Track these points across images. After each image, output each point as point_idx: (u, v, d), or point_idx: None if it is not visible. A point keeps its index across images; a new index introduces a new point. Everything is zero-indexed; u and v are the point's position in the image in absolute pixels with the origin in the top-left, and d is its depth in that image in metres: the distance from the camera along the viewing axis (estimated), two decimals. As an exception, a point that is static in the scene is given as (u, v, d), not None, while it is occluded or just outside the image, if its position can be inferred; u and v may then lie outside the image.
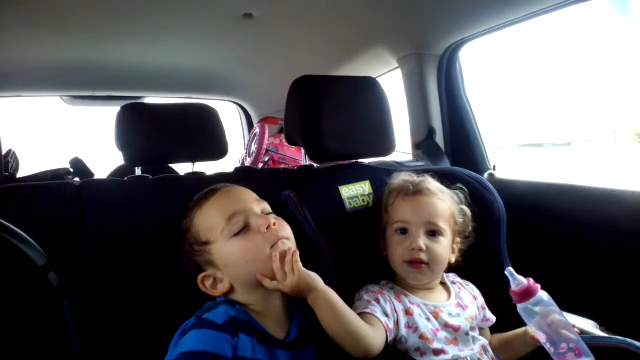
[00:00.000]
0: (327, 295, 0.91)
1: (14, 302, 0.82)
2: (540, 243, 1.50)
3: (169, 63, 2.42)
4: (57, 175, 2.03)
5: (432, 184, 1.13)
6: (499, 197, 1.28)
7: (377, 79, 1.47)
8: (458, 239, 1.14)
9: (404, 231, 1.08)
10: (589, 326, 1.33)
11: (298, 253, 0.92)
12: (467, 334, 1.03)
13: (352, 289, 1.08)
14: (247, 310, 0.93)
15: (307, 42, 2.14)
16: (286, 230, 0.99)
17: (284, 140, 2.01)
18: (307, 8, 1.77)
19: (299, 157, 2.49)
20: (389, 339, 0.97)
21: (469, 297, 1.12)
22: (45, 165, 2.16)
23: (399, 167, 1.55)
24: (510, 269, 1.01)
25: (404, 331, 0.99)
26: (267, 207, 1.02)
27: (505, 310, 1.09)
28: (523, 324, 1.03)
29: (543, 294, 0.99)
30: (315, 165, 1.61)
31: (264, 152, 2.50)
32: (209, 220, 0.97)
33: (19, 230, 0.87)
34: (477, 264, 1.19)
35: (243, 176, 1.41)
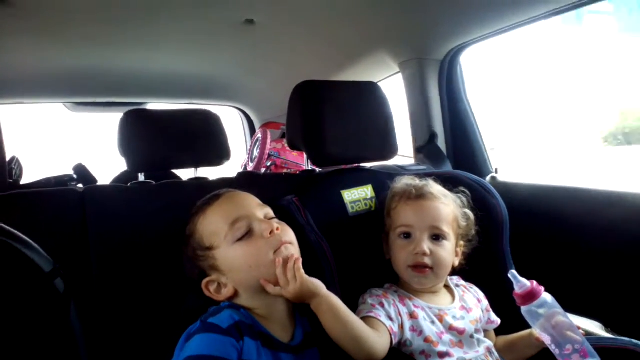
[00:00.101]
0: (329, 301, 0.91)
1: (21, 307, 0.83)
2: (544, 245, 1.50)
3: (171, 69, 2.43)
4: (60, 181, 2.03)
5: (435, 187, 1.13)
6: (501, 200, 1.28)
7: (379, 84, 1.47)
8: (461, 243, 1.14)
9: (407, 235, 1.08)
10: (594, 327, 1.33)
11: (301, 260, 0.92)
12: (471, 336, 1.03)
13: (355, 292, 1.08)
14: (252, 314, 0.93)
15: (308, 47, 2.15)
16: (289, 235, 0.99)
17: (286, 145, 2.01)
18: (308, 13, 1.78)
19: (301, 161, 2.49)
20: (394, 342, 0.97)
21: (473, 299, 1.12)
22: (49, 172, 2.17)
23: (401, 170, 1.55)
24: (514, 271, 1.01)
25: (408, 334, 0.99)
26: (270, 211, 1.03)
27: (509, 313, 1.09)
28: (528, 326, 1.03)
29: (547, 296, 0.99)
30: (318, 169, 1.61)
31: (266, 157, 2.51)
32: (212, 225, 0.97)
33: (24, 237, 0.87)
34: (481, 267, 1.19)
35: (245, 181, 1.41)
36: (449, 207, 1.11)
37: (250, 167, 2.63)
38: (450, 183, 1.20)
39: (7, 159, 1.03)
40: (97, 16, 1.69)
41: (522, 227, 1.30)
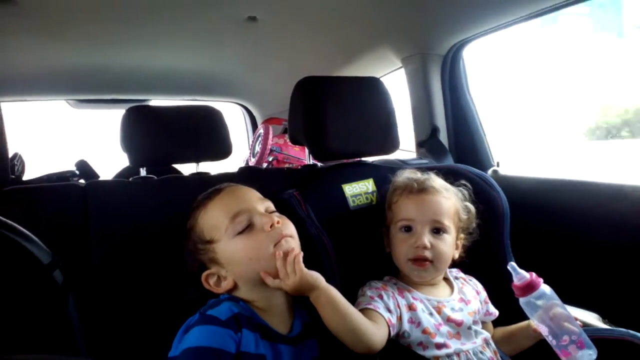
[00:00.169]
0: (328, 294, 0.92)
1: (19, 298, 0.84)
2: (543, 238, 1.50)
3: (173, 66, 2.44)
4: (62, 177, 2.05)
5: (437, 181, 1.14)
6: (502, 193, 1.28)
7: (381, 79, 1.48)
8: (462, 235, 1.14)
9: (408, 229, 1.09)
10: (592, 319, 1.34)
11: (302, 254, 0.93)
12: (469, 328, 1.04)
13: (355, 285, 1.09)
14: (251, 307, 0.94)
15: (310, 43, 2.15)
16: (290, 229, 1.00)
17: (288, 140, 2.02)
18: (310, 10, 1.78)
19: (303, 156, 2.50)
20: (392, 333, 0.97)
21: (471, 291, 1.13)
22: (51, 168, 2.18)
23: (403, 165, 1.56)
24: (513, 263, 1.01)
25: (406, 326, 1.00)
26: (270, 205, 1.03)
27: (507, 304, 1.10)
28: (525, 318, 1.04)
29: (545, 288, 0.99)
30: (319, 164, 1.62)
31: (268, 152, 2.51)
32: (213, 219, 0.98)
33: (23, 229, 0.89)
34: (481, 259, 1.19)
35: (247, 176, 1.42)
36: (450, 201, 1.11)
37: (252, 163, 2.64)
38: (451, 176, 1.20)
39: (10, 155, 1.04)
40: (100, 15, 1.70)
41: (523, 220, 1.30)
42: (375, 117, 1.40)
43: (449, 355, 0.98)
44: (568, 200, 1.47)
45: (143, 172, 1.37)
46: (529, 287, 0.98)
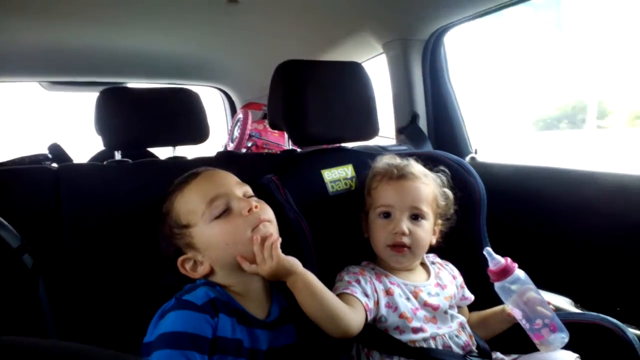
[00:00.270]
0: (305, 279, 0.92)
1: None
2: (519, 224, 1.52)
3: (150, 48, 2.39)
4: (34, 160, 2.00)
5: (416, 167, 1.14)
6: (479, 179, 1.29)
7: (362, 64, 1.47)
8: (439, 221, 1.15)
9: (387, 215, 1.09)
10: (565, 303, 1.37)
11: (280, 240, 0.92)
12: (445, 312, 1.05)
13: (333, 270, 1.09)
14: (227, 292, 0.93)
15: (291, 27, 2.12)
16: (268, 213, 0.99)
17: (267, 126, 2.00)
18: (292, -7, 1.75)
19: (282, 142, 2.48)
20: (369, 318, 0.98)
21: (448, 276, 1.14)
22: (23, 152, 2.12)
23: (382, 151, 1.56)
24: (489, 248, 1.03)
25: (383, 310, 1.00)
26: (248, 190, 1.02)
27: (483, 289, 1.11)
28: (500, 302, 1.06)
29: (520, 273, 1.01)
30: (298, 149, 1.61)
31: (247, 137, 2.49)
32: (190, 203, 0.96)
33: None
34: (457, 245, 1.20)
35: (225, 160, 1.40)
36: (429, 187, 1.11)
37: (230, 148, 2.61)
38: (430, 162, 1.21)
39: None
40: (74, -6, 1.64)
41: (499, 206, 1.32)
42: (356, 103, 1.39)
43: (425, 339, 1.00)
44: (542, 186, 1.49)
45: (118, 155, 1.34)
46: (504, 272, 1.00)
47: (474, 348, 1.05)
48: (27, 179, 1.14)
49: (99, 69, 2.56)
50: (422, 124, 1.94)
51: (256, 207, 0.95)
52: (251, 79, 2.86)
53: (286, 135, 1.46)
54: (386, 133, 2.00)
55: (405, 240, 1.06)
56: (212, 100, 3.28)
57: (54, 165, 1.28)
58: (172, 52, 2.46)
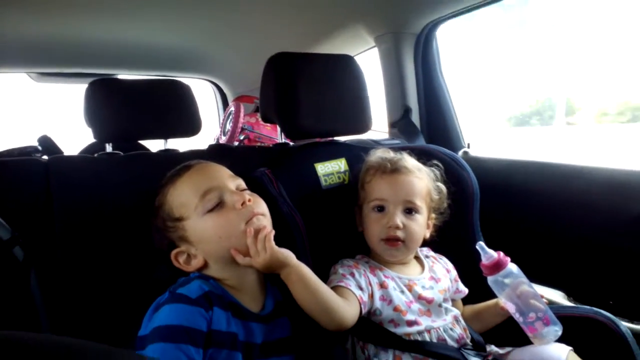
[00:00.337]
0: (299, 271, 0.91)
1: None
2: (511, 218, 1.53)
3: (141, 39, 2.36)
4: (24, 153, 1.98)
5: (410, 161, 1.14)
6: (472, 173, 1.30)
7: (355, 57, 1.46)
8: (433, 215, 1.15)
9: (380, 209, 1.09)
10: (558, 296, 1.38)
11: (273, 232, 0.92)
12: (439, 305, 1.06)
13: (327, 263, 1.09)
14: (222, 285, 0.92)
15: (283, 19, 2.11)
16: (261, 207, 0.98)
17: (259, 119, 1.99)
18: (283, -16, 1.74)
19: (275, 135, 2.47)
20: (363, 311, 0.98)
21: (442, 270, 1.14)
22: (12, 144, 2.10)
23: (375, 145, 1.55)
24: (481, 243, 1.03)
25: (378, 303, 1.01)
26: (241, 183, 1.02)
27: (477, 283, 1.12)
28: (494, 296, 1.06)
29: (512, 267, 1.02)
30: (291, 143, 1.60)
31: (239, 130, 2.47)
32: (182, 196, 0.96)
33: None
34: (450, 239, 1.21)
35: (217, 153, 1.38)
36: (422, 181, 1.12)
37: (222, 141, 2.59)
38: (424, 157, 1.21)
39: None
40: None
41: (492, 200, 1.33)
42: (348, 96, 1.38)
43: (419, 332, 1.00)
44: (534, 181, 1.50)
45: (109, 148, 1.32)
46: (497, 266, 1.01)
47: (468, 341, 1.05)
48: (17, 172, 1.12)
49: (88, 60, 2.53)
50: (415, 118, 1.94)
51: (249, 200, 0.95)
52: (243, 71, 2.84)
53: (279, 129, 1.45)
54: (379, 127, 2.00)
55: (399, 234, 1.06)
56: (203, 93, 3.26)
57: (44, 157, 1.26)
58: (162, 43, 2.44)
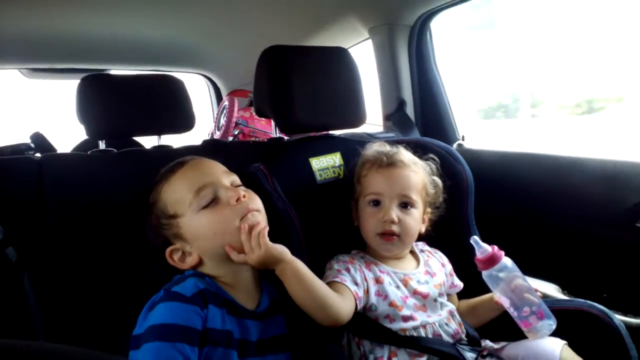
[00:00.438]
0: (294, 266, 0.91)
1: None
2: (506, 211, 1.53)
3: (133, 34, 2.33)
4: (16, 150, 1.96)
5: (406, 155, 1.14)
6: (467, 166, 1.30)
7: (349, 50, 1.45)
8: (428, 210, 1.15)
9: (376, 203, 1.09)
10: (552, 290, 1.38)
11: (267, 228, 0.92)
12: (435, 300, 1.06)
13: (323, 259, 1.09)
14: (217, 282, 0.92)
15: (276, 12, 2.09)
16: (256, 203, 0.98)
17: (253, 114, 1.97)
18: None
19: (270, 130, 2.45)
20: (359, 307, 0.98)
21: (437, 264, 1.14)
22: (4, 141, 2.08)
23: (370, 138, 1.55)
24: (476, 237, 1.03)
25: (373, 299, 1.01)
26: (236, 179, 1.01)
27: (472, 277, 1.12)
28: (489, 290, 1.06)
29: (507, 261, 1.02)
30: (286, 137, 1.59)
31: (234, 125, 2.46)
32: (177, 193, 0.95)
33: None
34: (445, 233, 1.21)
35: (211, 149, 1.38)
36: (418, 175, 1.11)
37: (217, 136, 2.58)
38: (420, 150, 1.20)
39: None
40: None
41: (487, 193, 1.33)
42: (342, 89, 1.38)
43: (415, 328, 1.00)
44: (529, 173, 1.50)
45: (102, 145, 1.31)
46: (491, 260, 1.01)
47: (463, 336, 1.06)
48: (9, 170, 1.11)
49: (80, 55, 2.50)
50: (409, 110, 1.94)
51: (244, 196, 0.95)
52: (237, 65, 2.82)
53: (273, 123, 1.44)
54: (374, 120, 1.99)
55: (395, 228, 1.06)
56: (197, 88, 3.23)
57: (37, 155, 1.25)
58: (155, 37, 2.41)
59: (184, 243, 0.94)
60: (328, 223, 1.19)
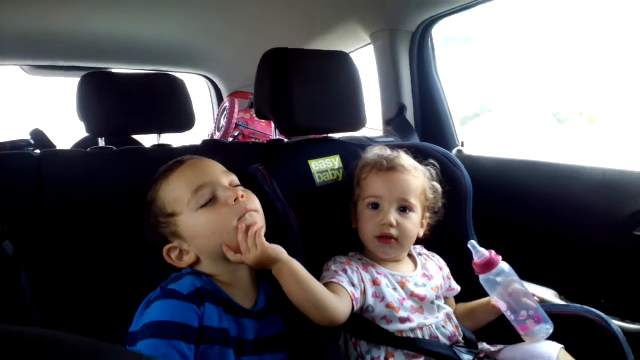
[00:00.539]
0: (290, 266, 0.91)
1: None
2: (504, 216, 1.54)
3: (135, 34, 2.34)
4: (16, 146, 1.95)
5: (406, 160, 1.14)
6: (466, 172, 1.30)
7: (350, 55, 1.45)
8: (427, 214, 1.15)
9: (375, 206, 1.09)
10: (549, 295, 1.39)
11: (264, 229, 0.92)
12: (432, 302, 1.06)
13: (321, 260, 1.09)
14: (214, 281, 0.92)
15: (278, 15, 2.10)
16: (254, 203, 0.98)
17: (254, 115, 1.98)
18: (279, -21, 1.73)
19: (270, 132, 2.46)
20: (356, 308, 0.98)
21: (434, 267, 1.15)
22: (4, 137, 2.07)
23: (370, 142, 1.55)
24: (473, 242, 1.04)
25: (371, 300, 1.01)
26: (235, 179, 1.01)
27: (469, 281, 1.12)
28: (487, 294, 1.06)
29: (504, 265, 1.02)
30: (285, 139, 1.59)
31: (234, 126, 2.46)
32: (175, 192, 0.95)
33: None
34: (443, 237, 1.21)
35: (211, 149, 1.38)
36: (418, 180, 1.12)
37: (217, 137, 2.58)
38: (420, 155, 1.21)
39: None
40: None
41: (485, 198, 1.33)
42: (343, 93, 1.38)
43: (412, 330, 1.00)
44: (528, 180, 1.51)
45: (102, 143, 1.31)
46: (489, 265, 1.01)
47: (460, 339, 1.05)
48: (9, 165, 1.11)
49: (82, 53, 2.50)
50: (410, 116, 1.94)
51: (242, 196, 0.95)
52: (238, 66, 2.83)
53: (273, 125, 1.45)
54: (374, 125, 2.00)
55: (393, 232, 1.06)
56: (198, 89, 3.24)
57: (37, 151, 1.25)
58: (157, 38, 2.42)
59: (181, 241, 0.94)
60: (326, 225, 1.19)
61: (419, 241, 1.16)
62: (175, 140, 1.46)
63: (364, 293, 1.01)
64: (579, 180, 1.35)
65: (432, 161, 1.20)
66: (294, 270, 0.91)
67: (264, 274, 0.99)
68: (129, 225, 1.04)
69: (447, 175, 1.23)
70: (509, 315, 1.01)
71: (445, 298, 1.15)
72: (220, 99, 3.18)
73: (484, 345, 1.08)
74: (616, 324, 1.03)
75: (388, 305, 1.01)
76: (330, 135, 1.43)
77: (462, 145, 1.84)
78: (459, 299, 1.19)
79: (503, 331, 1.05)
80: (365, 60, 2.09)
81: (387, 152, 1.17)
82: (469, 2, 1.61)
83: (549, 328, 0.99)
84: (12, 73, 2.66)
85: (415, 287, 1.06)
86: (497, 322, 1.10)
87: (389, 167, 1.11)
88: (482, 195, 1.31)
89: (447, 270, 1.17)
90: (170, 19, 2.18)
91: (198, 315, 0.82)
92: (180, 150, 1.30)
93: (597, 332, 1.02)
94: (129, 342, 0.81)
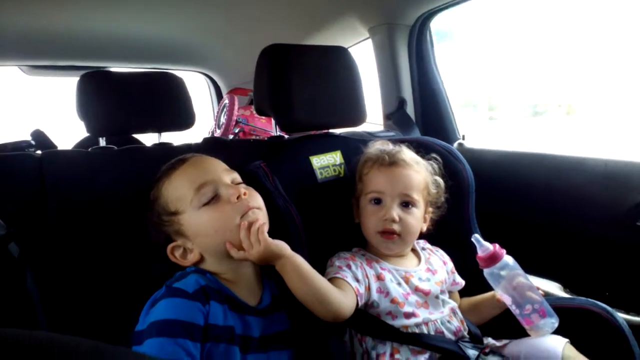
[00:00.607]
0: (294, 261, 0.91)
1: None
2: (507, 209, 1.54)
3: (134, 31, 2.33)
4: (17, 147, 1.95)
5: (408, 154, 1.13)
6: (468, 166, 1.30)
7: (349, 49, 1.45)
8: (430, 209, 1.15)
9: (377, 201, 1.09)
10: (554, 288, 1.38)
11: (266, 226, 0.92)
12: (436, 297, 1.06)
13: (324, 256, 1.09)
14: (218, 279, 0.92)
15: (277, 11, 2.09)
16: (257, 200, 0.98)
17: (254, 112, 1.98)
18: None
19: (270, 128, 2.45)
20: (360, 303, 0.98)
21: (438, 262, 1.14)
22: (4, 138, 2.08)
23: (370, 137, 1.55)
24: (477, 235, 1.03)
25: (375, 296, 1.01)
26: (237, 177, 1.01)
27: (474, 275, 1.12)
28: (491, 288, 1.06)
29: (508, 259, 1.02)
30: (286, 136, 1.59)
31: (234, 123, 2.46)
32: (178, 190, 0.95)
33: None
34: (447, 231, 1.21)
35: (212, 147, 1.37)
36: (420, 175, 1.11)
37: (217, 134, 2.58)
38: (422, 149, 1.20)
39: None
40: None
41: (487, 192, 1.33)
42: (342, 88, 1.38)
43: (417, 325, 1.00)
44: (530, 172, 1.50)
45: (102, 142, 1.31)
46: (493, 259, 1.01)
47: (465, 333, 1.05)
48: (10, 167, 1.11)
49: (80, 53, 2.50)
50: (410, 109, 1.94)
51: (245, 194, 0.95)
52: (237, 63, 2.82)
53: (273, 122, 1.44)
54: (374, 119, 1.99)
55: (395, 227, 1.06)
56: (197, 86, 3.23)
57: (38, 152, 1.25)
58: (155, 35, 2.41)
59: (185, 240, 0.94)
60: (329, 221, 1.19)
61: (422, 236, 1.16)
62: (175, 138, 1.46)
63: (369, 289, 1.01)
64: (581, 171, 1.35)
65: (434, 155, 1.19)
66: (297, 265, 0.91)
67: (268, 271, 0.99)
68: (132, 224, 1.04)
69: (449, 169, 1.23)
70: (513, 309, 1.01)
71: (450, 292, 1.15)
72: (219, 96, 3.18)
73: (489, 340, 1.08)
74: (621, 316, 1.03)
75: (393, 301, 1.01)
76: (330, 130, 1.43)
77: (463, 139, 1.83)
78: (463, 293, 1.19)
79: (508, 325, 1.05)
80: (364, 54, 2.09)
81: (389, 146, 1.16)
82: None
83: (554, 322, 0.99)
84: (10, 74, 2.65)
85: (420, 281, 1.06)
86: (502, 316, 1.10)
87: (391, 162, 1.10)
88: (484, 189, 1.31)
89: (450, 265, 1.17)
90: (170, 17, 2.17)
91: (203, 313, 0.82)
92: (181, 149, 1.30)
93: (602, 325, 1.01)
94: (134, 341, 0.81)
